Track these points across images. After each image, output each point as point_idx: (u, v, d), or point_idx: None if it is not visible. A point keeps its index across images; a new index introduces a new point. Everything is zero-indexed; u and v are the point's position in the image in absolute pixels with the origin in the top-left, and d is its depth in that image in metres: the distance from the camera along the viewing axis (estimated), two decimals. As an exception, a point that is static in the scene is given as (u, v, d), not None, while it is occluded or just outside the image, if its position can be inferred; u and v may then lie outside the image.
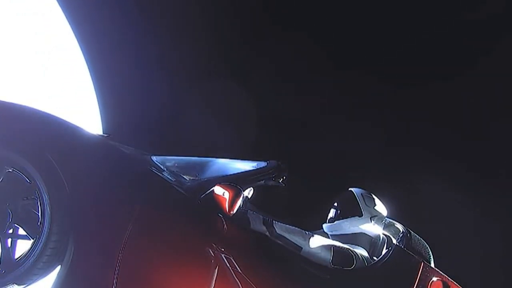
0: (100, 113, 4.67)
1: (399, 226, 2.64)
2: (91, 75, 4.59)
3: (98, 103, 4.66)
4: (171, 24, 4.84)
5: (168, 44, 4.86)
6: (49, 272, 2.00)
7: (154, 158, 2.42)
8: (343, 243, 2.54)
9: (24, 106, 2.18)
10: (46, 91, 3.86)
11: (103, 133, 4.47)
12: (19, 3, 3.78)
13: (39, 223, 1.96)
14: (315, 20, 4.84)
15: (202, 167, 2.47)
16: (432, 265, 2.31)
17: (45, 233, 1.94)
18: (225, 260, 1.95)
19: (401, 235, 2.48)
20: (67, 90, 4.23)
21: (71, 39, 4.39)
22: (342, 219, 2.63)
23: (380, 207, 2.65)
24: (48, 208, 1.95)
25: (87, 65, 4.56)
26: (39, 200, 1.98)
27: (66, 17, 4.31)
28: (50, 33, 4.15)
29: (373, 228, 2.57)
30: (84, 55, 4.52)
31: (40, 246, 1.94)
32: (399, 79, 4.72)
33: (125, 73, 4.86)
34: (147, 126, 4.85)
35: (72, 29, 4.37)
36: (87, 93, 4.58)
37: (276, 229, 2.50)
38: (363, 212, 2.58)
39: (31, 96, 3.61)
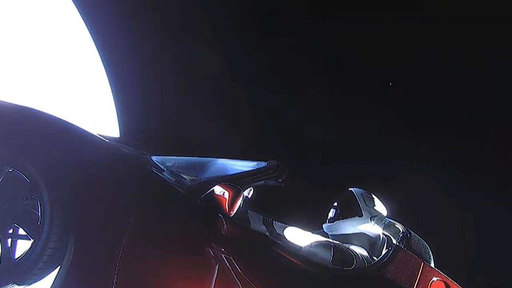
0: (118, 116, 4.74)
1: (399, 226, 2.64)
2: (109, 79, 4.66)
3: (116, 107, 4.74)
4: (182, 29, 4.91)
5: (182, 49, 4.93)
6: (49, 272, 2.00)
7: (154, 158, 2.42)
8: (343, 243, 2.54)
9: (25, 107, 2.18)
10: (67, 96, 3.96)
11: (120, 135, 4.54)
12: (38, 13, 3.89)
13: (39, 223, 1.96)
14: (316, 21, 4.85)
15: (202, 167, 2.47)
16: (432, 265, 2.31)
17: (45, 233, 1.94)
18: (225, 260, 1.94)
19: (401, 235, 2.48)
20: (86, 94, 4.32)
21: (90, 45, 4.51)
22: (342, 219, 2.63)
23: (380, 207, 2.65)
24: (48, 208, 1.95)
25: (105, 69, 4.64)
26: (39, 200, 1.98)
27: (86, 24, 4.42)
28: (69, 37, 4.25)
29: (373, 228, 2.57)
30: (102, 60, 4.60)
31: (40, 246, 1.94)
32: (400, 79, 4.73)
33: (142, 76, 4.95)
34: (163, 129, 4.91)
35: (91, 34, 4.47)
36: (105, 96, 4.67)
37: (276, 229, 2.51)
38: (363, 212, 2.58)
39: (51, 100, 3.67)
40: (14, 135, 2.06)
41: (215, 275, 1.92)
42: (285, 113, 5.00)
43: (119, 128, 4.71)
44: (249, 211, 2.52)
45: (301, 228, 2.57)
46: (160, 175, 2.19)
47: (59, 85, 4.01)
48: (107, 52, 4.64)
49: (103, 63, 4.61)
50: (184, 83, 5.00)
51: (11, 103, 2.18)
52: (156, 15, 4.87)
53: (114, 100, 4.69)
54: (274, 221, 2.56)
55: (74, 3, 4.27)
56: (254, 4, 4.89)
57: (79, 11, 4.31)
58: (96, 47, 4.53)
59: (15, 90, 3.44)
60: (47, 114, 2.17)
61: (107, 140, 2.34)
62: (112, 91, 4.67)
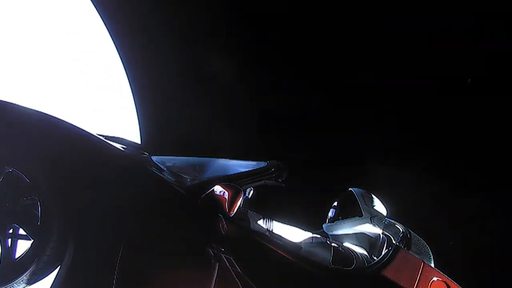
0: (139, 121, 4.82)
1: (399, 226, 2.64)
2: (130, 85, 4.74)
3: (137, 112, 4.81)
4: (191, 36, 4.98)
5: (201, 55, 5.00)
6: (49, 272, 2.00)
7: (154, 158, 2.42)
8: (343, 243, 2.54)
9: (28, 108, 2.17)
10: (66, 96, 4.00)
11: (140, 140, 4.60)
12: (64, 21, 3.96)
13: (39, 223, 1.96)
14: (314, 21, 4.86)
15: (202, 167, 2.47)
16: (432, 265, 2.31)
17: (45, 233, 1.94)
18: (225, 260, 1.94)
19: (401, 235, 2.48)
20: (108, 100, 4.42)
21: (112, 51, 4.62)
22: (342, 219, 2.63)
23: (380, 207, 2.64)
24: (48, 208, 1.95)
25: (127, 75, 4.72)
26: (39, 200, 1.98)
27: (108, 31, 4.51)
28: (91, 43, 4.34)
29: (373, 228, 2.57)
30: (124, 67, 4.69)
31: (40, 246, 1.94)
32: (399, 78, 4.73)
33: (163, 83, 5.01)
34: (181, 134, 4.95)
35: (113, 40, 4.56)
36: (126, 103, 4.78)
37: (276, 229, 2.51)
38: (363, 212, 2.58)
39: (51, 100, 3.70)
40: (16, 135, 2.06)
41: (215, 275, 1.92)
42: (285, 113, 5.00)
43: (140, 133, 4.78)
44: (249, 211, 2.52)
45: (301, 228, 2.57)
46: (160, 175, 2.19)
47: (58, 84, 4.02)
48: (128, 60, 4.72)
49: (126, 72, 4.69)
50: (200, 88, 5.05)
51: (15, 105, 2.18)
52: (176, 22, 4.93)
53: (136, 107, 4.76)
54: (273, 221, 2.56)
55: (97, 9, 4.34)
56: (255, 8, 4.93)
57: (102, 20, 4.39)
58: (120, 56, 4.61)
59: (15, 90, 3.45)
60: (48, 114, 2.17)
61: (107, 141, 2.34)
62: (134, 99, 4.74)
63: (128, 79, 4.84)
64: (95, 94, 4.55)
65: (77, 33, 4.37)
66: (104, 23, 4.56)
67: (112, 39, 4.65)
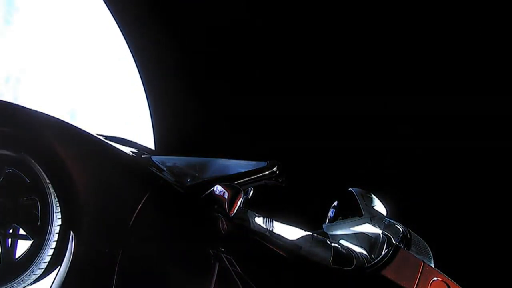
0: (153, 126, 4.87)
1: (399, 226, 2.63)
2: (145, 90, 4.79)
3: (151, 117, 4.85)
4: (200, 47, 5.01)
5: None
6: (49, 272, 2.00)
7: (154, 158, 2.42)
8: (343, 243, 2.54)
9: (29, 109, 2.18)
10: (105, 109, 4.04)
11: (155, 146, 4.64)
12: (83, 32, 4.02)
13: (39, 223, 1.96)
14: (309, 21, 4.88)
15: (202, 167, 2.47)
16: (432, 265, 2.31)
17: (45, 233, 1.94)
18: (225, 260, 1.95)
19: (401, 235, 2.48)
20: (122, 106, 4.46)
21: (128, 56, 4.69)
22: (342, 219, 2.63)
23: (380, 207, 2.64)
24: (50, 208, 1.95)
25: (142, 80, 4.77)
26: (40, 201, 1.98)
27: (124, 35, 4.62)
28: (105, 47, 4.39)
29: (373, 228, 2.56)
30: (139, 71, 4.75)
31: (40, 246, 1.94)
32: (398, 77, 4.74)
33: (177, 88, 5.06)
34: (192, 138, 4.99)
35: (128, 44, 4.61)
36: (141, 108, 4.86)
37: (276, 229, 2.51)
38: (363, 212, 2.57)
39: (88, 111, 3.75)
40: (17, 136, 2.06)
41: (215, 275, 1.92)
42: (285, 113, 5.01)
43: (154, 138, 4.82)
44: (249, 211, 2.52)
45: (301, 228, 2.57)
46: (160, 175, 2.19)
47: (72, 89, 4.05)
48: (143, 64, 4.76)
49: (140, 77, 4.73)
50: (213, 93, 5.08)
51: (13, 104, 2.18)
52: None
53: (150, 113, 4.81)
54: (273, 221, 2.56)
55: (112, 13, 4.38)
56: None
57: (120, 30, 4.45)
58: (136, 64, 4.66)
59: (36, 93, 3.47)
60: (48, 115, 2.17)
61: (107, 141, 2.34)
62: (148, 104, 4.79)
63: (143, 83, 4.89)
64: (110, 99, 4.59)
65: (92, 38, 4.42)
66: (120, 28, 4.61)
67: (127, 43, 4.70)
